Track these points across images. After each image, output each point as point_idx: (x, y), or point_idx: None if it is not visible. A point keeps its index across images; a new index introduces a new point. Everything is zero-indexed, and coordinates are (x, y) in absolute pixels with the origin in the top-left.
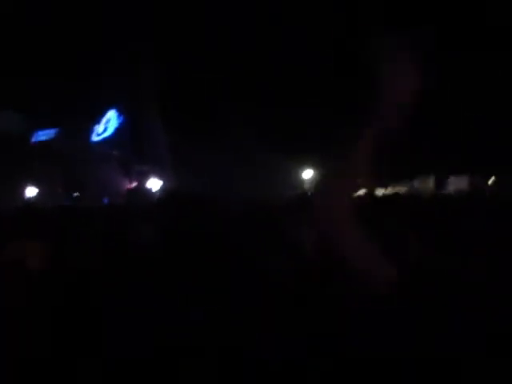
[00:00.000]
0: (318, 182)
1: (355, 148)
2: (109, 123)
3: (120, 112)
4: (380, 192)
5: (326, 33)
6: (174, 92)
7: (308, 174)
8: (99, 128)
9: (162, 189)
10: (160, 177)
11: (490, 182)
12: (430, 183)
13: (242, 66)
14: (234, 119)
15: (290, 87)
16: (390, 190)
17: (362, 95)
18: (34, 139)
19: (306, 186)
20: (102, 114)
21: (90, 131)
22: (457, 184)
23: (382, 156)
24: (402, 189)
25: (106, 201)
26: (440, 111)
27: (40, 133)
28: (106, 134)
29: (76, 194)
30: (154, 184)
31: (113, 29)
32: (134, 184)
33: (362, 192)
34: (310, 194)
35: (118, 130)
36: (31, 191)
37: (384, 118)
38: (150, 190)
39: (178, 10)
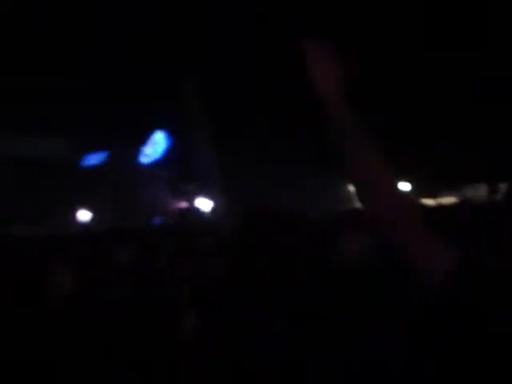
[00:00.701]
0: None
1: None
2: (157, 145)
3: (168, 133)
4: (430, 203)
5: None
6: (222, 112)
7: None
8: (147, 150)
9: (217, 208)
10: (209, 196)
11: None
12: (482, 191)
13: (289, 84)
14: (282, 134)
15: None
16: (440, 201)
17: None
18: (83, 163)
19: (354, 199)
20: (150, 135)
21: (138, 153)
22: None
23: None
24: (452, 199)
25: (157, 221)
26: (489, 115)
27: (90, 157)
28: (155, 156)
29: (126, 216)
30: (204, 204)
31: (160, 52)
32: (184, 204)
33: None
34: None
35: (166, 152)
36: (84, 215)
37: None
38: (199, 210)
39: (226, 36)
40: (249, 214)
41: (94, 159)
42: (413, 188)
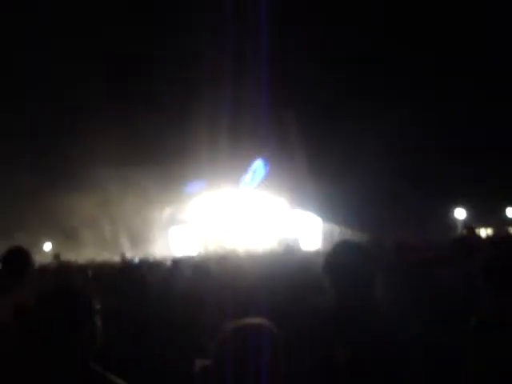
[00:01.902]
0: None
1: None
2: (256, 173)
3: (266, 162)
4: (484, 233)
5: None
6: (318, 141)
7: (461, 213)
8: (247, 177)
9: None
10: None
11: None
12: None
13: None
14: (382, 163)
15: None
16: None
17: None
18: (187, 190)
19: (459, 226)
20: (249, 163)
21: (238, 181)
22: None
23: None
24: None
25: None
26: None
27: (192, 184)
28: (254, 183)
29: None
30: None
31: (255, 83)
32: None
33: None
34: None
35: (264, 178)
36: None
37: None
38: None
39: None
40: None
41: (195, 187)
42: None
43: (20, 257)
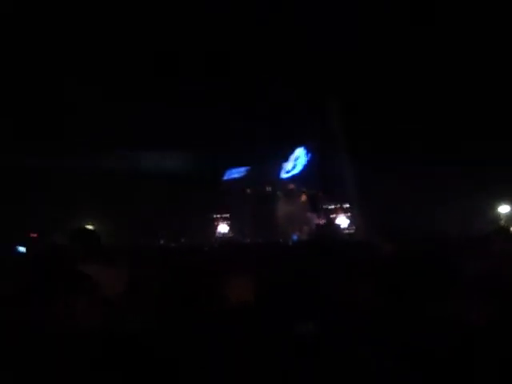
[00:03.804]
0: None
1: None
2: (297, 160)
3: (308, 149)
4: None
5: None
6: (360, 129)
7: (505, 208)
8: (288, 165)
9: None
10: (347, 213)
11: None
12: None
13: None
14: (421, 153)
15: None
16: None
17: None
18: (226, 177)
19: (503, 220)
20: (291, 151)
21: (279, 169)
22: None
23: None
24: None
25: (295, 237)
26: None
27: (233, 170)
28: (295, 172)
29: (265, 230)
30: (343, 221)
31: (306, 72)
32: (323, 221)
33: None
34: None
35: (306, 168)
36: (223, 227)
37: None
38: (339, 227)
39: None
40: None
41: (236, 173)
42: None
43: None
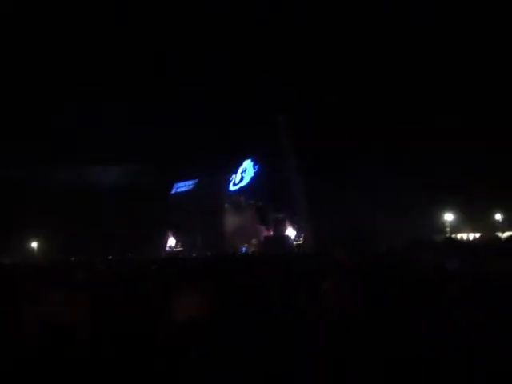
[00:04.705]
0: None
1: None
2: (245, 172)
3: (255, 161)
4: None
5: None
6: (308, 140)
7: (449, 216)
8: (236, 178)
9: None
10: (295, 224)
11: None
12: None
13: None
14: (373, 164)
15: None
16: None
17: None
18: (174, 190)
19: (448, 228)
20: (239, 163)
21: (227, 181)
22: None
23: None
24: None
25: (243, 250)
26: None
27: (180, 184)
28: (243, 184)
29: (213, 243)
30: (291, 233)
31: (250, 86)
32: (271, 232)
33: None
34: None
35: (253, 179)
36: (172, 241)
37: None
38: (288, 238)
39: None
40: None
41: (183, 186)
42: None
43: None
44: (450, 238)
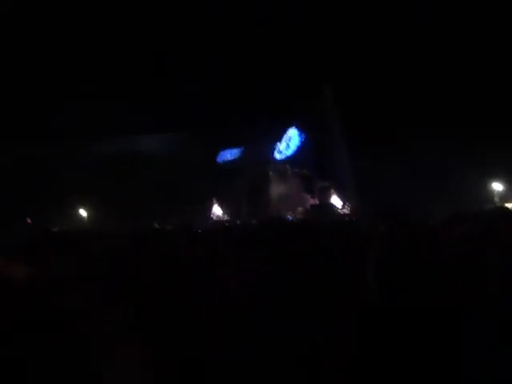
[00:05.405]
0: None
1: None
2: (290, 141)
3: (301, 129)
4: None
5: None
6: (355, 108)
7: (498, 186)
8: (281, 146)
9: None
10: (341, 193)
11: None
12: None
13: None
14: (419, 132)
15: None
16: None
17: None
18: (220, 158)
19: (497, 198)
20: (284, 132)
21: (272, 149)
22: None
23: None
24: None
25: (289, 218)
26: None
27: (225, 152)
28: (288, 152)
29: (259, 211)
30: (337, 201)
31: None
32: (317, 200)
33: None
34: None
35: (299, 148)
36: (218, 209)
37: None
38: (333, 206)
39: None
40: None
41: (229, 154)
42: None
43: None
44: (502, 207)
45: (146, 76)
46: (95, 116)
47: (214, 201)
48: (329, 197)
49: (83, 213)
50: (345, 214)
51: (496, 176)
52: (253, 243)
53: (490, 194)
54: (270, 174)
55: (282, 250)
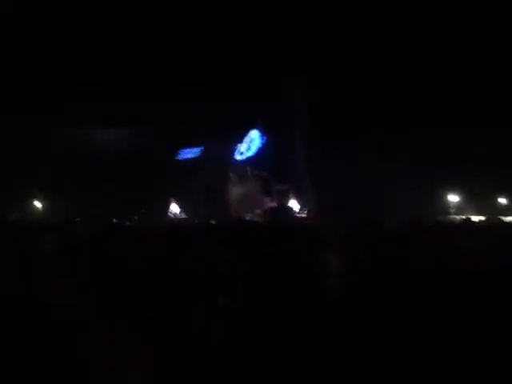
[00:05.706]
0: None
1: None
2: (252, 142)
3: (263, 132)
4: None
5: None
6: (316, 112)
7: (454, 197)
8: (242, 147)
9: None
10: (299, 197)
11: None
12: None
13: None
14: (379, 140)
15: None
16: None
17: None
18: (180, 156)
19: (452, 209)
20: (246, 133)
21: (233, 150)
22: None
23: None
24: None
25: (247, 219)
26: None
27: (186, 150)
28: (249, 154)
29: (217, 211)
30: (295, 205)
31: (256, 56)
32: (274, 203)
33: None
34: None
35: (260, 150)
36: (176, 207)
37: None
38: (291, 209)
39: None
40: None
41: (189, 153)
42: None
43: None
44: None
45: (113, 70)
46: (56, 106)
47: (171, 198)
48: (287, 200)
49: (37, 204)
50: (302, 218)
51: (451, 188)
52: (226, 241)
53: (445, 205)
54: (230, 174)
55: (252, 248)
